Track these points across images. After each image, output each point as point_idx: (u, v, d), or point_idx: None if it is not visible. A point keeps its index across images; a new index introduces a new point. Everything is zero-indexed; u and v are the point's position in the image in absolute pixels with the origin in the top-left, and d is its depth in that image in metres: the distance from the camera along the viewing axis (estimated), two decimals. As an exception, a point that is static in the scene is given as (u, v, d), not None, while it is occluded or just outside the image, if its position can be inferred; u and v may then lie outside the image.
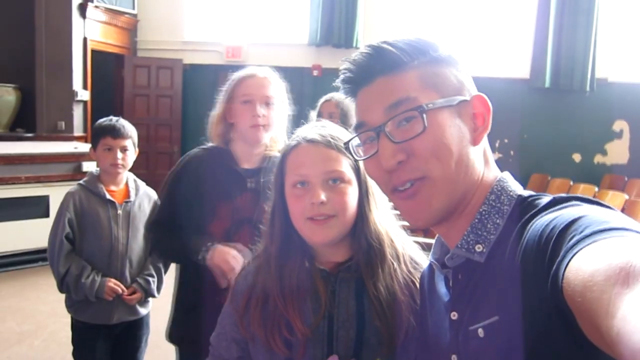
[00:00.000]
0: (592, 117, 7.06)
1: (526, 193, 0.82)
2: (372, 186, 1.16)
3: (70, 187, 2.52)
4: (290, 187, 1.15)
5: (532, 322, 0.66)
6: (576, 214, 0.65)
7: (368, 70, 0.84)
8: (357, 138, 0.88)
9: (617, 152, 7.18)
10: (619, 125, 7.16)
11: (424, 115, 0.79)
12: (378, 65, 0.83)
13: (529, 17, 7.17)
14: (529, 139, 7.17)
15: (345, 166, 1.14)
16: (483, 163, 0.84)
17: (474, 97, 0.84)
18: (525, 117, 7.10)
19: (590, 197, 0.73)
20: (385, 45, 0.83)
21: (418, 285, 1.11)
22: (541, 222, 0.70)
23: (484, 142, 0.85)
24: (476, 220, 0.81)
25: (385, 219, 1.19)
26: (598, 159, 7.24)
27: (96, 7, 6.98)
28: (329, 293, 1.15)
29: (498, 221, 0.80)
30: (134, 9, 7.74)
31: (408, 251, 1.20)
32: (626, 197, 5.31)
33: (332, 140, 1.14)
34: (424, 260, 1.21)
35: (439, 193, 0.80)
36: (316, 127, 1.19)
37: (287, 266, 1.16)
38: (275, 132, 1.94)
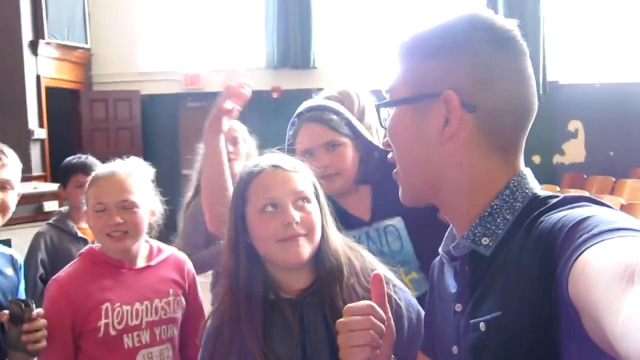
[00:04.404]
0: (548, 119, 7.25)
1: (542, 192, 0.80)
2: (328, 210, 1.23)
3: (33, 228, 2.47)
4: (257, 213, 1.16)
5: (535, 319, 0.66)
6: (585, 214, 0.66)
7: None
8: None
9: (574, 151, 7.40)
10: (574, 125, 7.38)
11: (390, 111, 0.85)
12: (395, 57, 0.88)
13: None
14: (489, 145, 7.29)
15: (308, 189, 1.19)
16: (478, 159, 0.80)
17: (447, 94, 0.78)
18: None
19: (599, 199, 0.73)
20: (397, 42, 0.88)
21: None
22: (550, 220, 0.70)
23: (481, 138, 0.80)
24: (486, 214, 0.80)
25: (341, 241, 1.23)
26: (557, 159, 7.44)
27: (47, 43, 6.87)
28: (298, 320, 1.15)
29: (508, 217, 0.79)
30: (87, 43, 7.65)
31: (366, 263, 1.22)
32: (587, 194, 5.44)
33: (291, 164, 1.20)
34: (380, 266, 1.23)
35: (405, 182, 0.87)
36: (273, 156, 1.24)
37: (252, 300, 1.17)
38: None
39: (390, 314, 0.93)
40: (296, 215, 1.13)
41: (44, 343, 1.36)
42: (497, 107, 0.79)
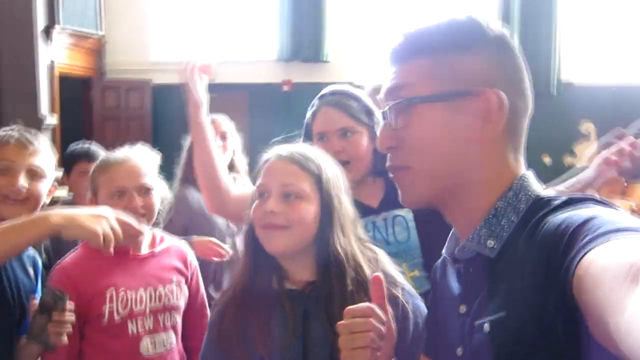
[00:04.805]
0: (559, 120, 7.20)
1: (545, 193, 0.81)
2: (341, 210, 1.19)
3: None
4: (255, 199, 1.20)
5: (538, 319, 0.66)
6: (590, 214, 0.66)
7: (392, 55, 0.85)
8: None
9: (585, 153, 7.34)
10: (586, 126, 7.32)
11: (412, 108, 0.80)
12: (396, 53, 0.84)
13: (491, 22, 7.31)
14: (499, 144, 7.27)
15: (305, 183, 1.17)
16: (499, 159, 0.82)
17: (488, 92, 0.78)
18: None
19: (604, 200, 0.73)
20: (403, 34, 0.85)
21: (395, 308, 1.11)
22: (555, 220, 0.70)
23: (505, 138, 0.81)
24: (490, 216, 0.80)
25: (352, 243, 1.19)
26: (567, 160, 7.38)
27: (61, 30, 6.90)
28: (300, 312, 1.15)
29: (513, 218, 0.79)
30: (100, 30, 7.67)
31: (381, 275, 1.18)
32: (597, 195, 5.41)
33: (297, 156, 1.19)
34: (395, 274, 1.20)
35: (419, 185, 0.83)
36: (289, 146, 1.24)
37: (256, 287, 1.18)
38: None
39: (390, 316, 0.93)
40: (274, 205, 1.14)
41: (66, 339, 1.33)
42: (519, 108, 0.81)
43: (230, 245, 2.37)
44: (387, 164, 0.86)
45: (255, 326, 1.14)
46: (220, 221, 2.48)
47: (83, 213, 1.21)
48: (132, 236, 1.30)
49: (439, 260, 0.99)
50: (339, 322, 0.89)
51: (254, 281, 1.19)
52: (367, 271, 1.17)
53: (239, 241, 2.52)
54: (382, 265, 1.20)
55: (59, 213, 1.19)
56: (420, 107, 0.80)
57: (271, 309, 1.16)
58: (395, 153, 0.84)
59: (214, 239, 2.28)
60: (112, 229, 1.17)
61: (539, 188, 0.82)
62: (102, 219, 1.17)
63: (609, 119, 7.51)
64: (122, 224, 1.21)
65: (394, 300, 1.12)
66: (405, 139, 0.82)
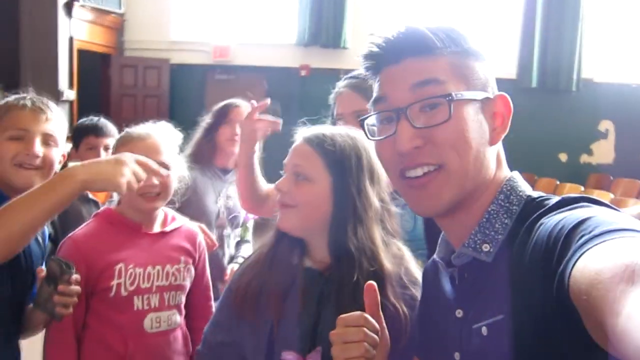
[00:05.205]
0: (578, 117, 7.12)
1: (535, 194, 0.82)
2: (360, 198, 1.16)
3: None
4: None
5: (536, 321, 0.66)
6: (585, 215, 0.66)
7: (398, 48, 0.82)
8: (373, 117, 0.87)
9: (602, 152, 7.26)
10: (605, 125, 7.23)
11: (451, 105, 0.78)
12: (410, 46, 0.81)
13: (515, 17, 7.22)
14: (515, 139, 7.16)
15: (315, 165, 1.17)
16: (496, 163, 0.84)
17: (497, 97, 0.84)
18: (512, 117, 7.13)
19: (599, 199, 0.73)
20: (419, 28, 0.82)
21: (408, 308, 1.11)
22: (550, 222, 0.70)
23: (499, 142, 0.85)
24: (484, 220, 0.80)
25: (374, 236, 1.17)
26: (584, 158, 7.31)
27: (82, 6, 6.92)
28: (316, 292, 1.16)
29: (506, 221, 0.79)
30: (120, 8, 7.68)
31: (403, 272, 1.17)
32: (612, 196, 5.36)
33: (314, 138, 1.19)
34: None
35: (451, 185, 0.80)
36: (320, 127, 1.25)
37: (277, 258, 1.21)
38: None
39: (384, 324, 0.93)
40: (281, 184, 1.19)
41: (70, 310, 1.35)
42: None
43: (216, 238, 2.26)
44: (403, 165, 0.82)
45: (271, 294, 1.16)
46: (211, 210, 2.40)
47: (103, 164, 1.25)
48: (152, 174, 1.36)
49: (429, 263, 0.98)
50: (331, 332, 0.88)
51: (276, 252, 1.22)
52: (388, 267, 1.14)
53: (227, 233, 2.48)
54: (406, 263, 1.19)
55: (83, 169, 1.22)
56: (459, 104, 0.79)
57: (290, 282, 1.18)
58: (423, 152, 0.80)
59: (204, 226, 2.21)
60: (134, 173, 1.25)
61: (527, 188, 0.83)
62: (123, 166, 1.23)
63: (628, 117, 7.45)
64: (142, 164, 1.28)
65: (411, 302, 1.12)
66: (436, 136, 0.79)
